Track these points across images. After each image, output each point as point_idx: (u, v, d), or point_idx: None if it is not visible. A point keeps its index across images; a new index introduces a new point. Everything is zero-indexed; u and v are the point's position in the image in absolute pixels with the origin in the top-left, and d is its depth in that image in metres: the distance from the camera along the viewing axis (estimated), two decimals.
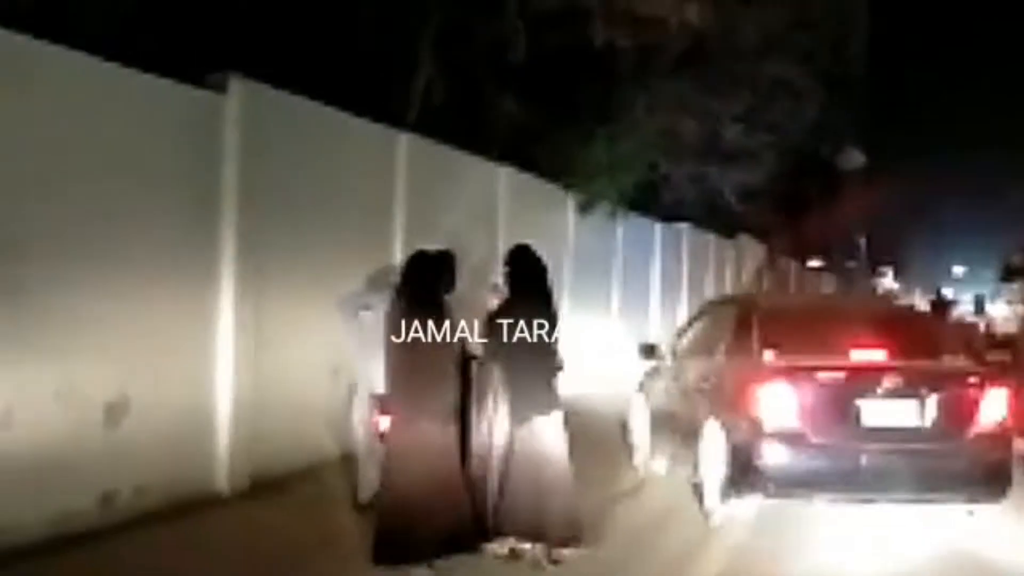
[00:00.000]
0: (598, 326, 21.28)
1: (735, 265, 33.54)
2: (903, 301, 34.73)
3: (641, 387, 13.38)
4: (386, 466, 8.36)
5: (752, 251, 36.01)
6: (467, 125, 15.53)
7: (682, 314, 24.46)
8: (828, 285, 50.96)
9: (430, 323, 8.32)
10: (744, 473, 9.50)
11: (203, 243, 10.05)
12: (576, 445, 8.95)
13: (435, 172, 14.03)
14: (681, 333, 13.08)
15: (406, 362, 8.31)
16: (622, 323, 22.27)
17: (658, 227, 25.64)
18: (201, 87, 10.06)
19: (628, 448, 13.41)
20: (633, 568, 8.60)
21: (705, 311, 13.30)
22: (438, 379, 8.31)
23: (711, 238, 30.72)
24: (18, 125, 8.08)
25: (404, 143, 13.35)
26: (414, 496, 8.05)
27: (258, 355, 10.55)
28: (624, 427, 13.89)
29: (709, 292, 28.11)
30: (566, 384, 9.07)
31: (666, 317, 24.81)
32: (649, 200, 23.95)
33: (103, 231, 8.86)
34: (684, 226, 27.57)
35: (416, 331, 8.27)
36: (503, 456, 8.53)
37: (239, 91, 10.31)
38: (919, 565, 8.98)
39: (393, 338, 8.36)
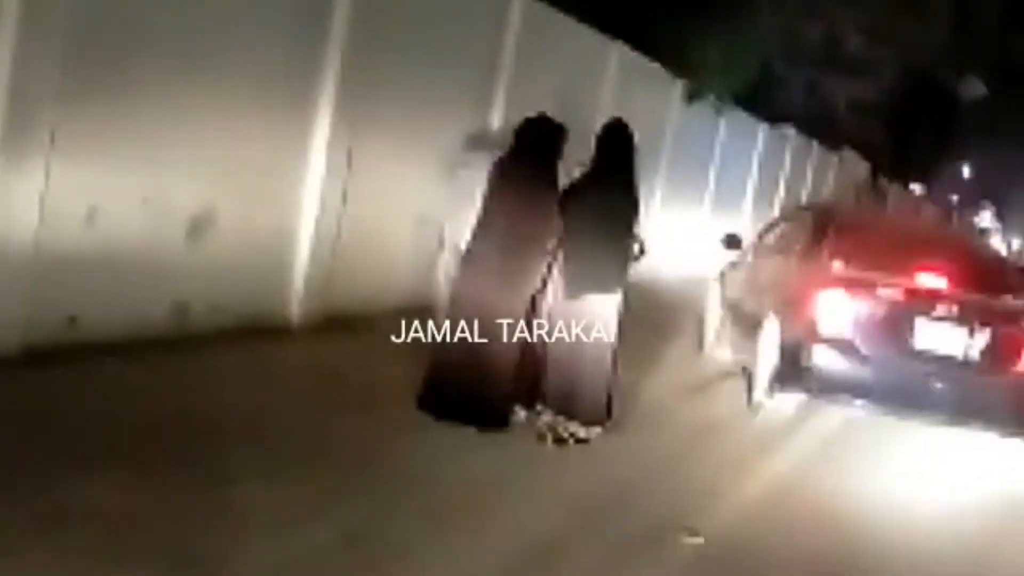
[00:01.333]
0: (690, 216, 21.54)
1: (836, 177, 33.36)
2: (993, 242, 34.28)
3: (721, 277, 13.72)
4: (448, 318, 8.26)
5: (855, 166, 35.72)
6: None
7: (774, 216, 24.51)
8: (926, 212, 50.32)
9: (534, 187, 8.27)
10: (792, 370, 9.92)
11: (306, 71, 9.95)
12: (648, 327, 9.10)
13: (546, 37, 13.91)
14: (764, 231, 13.45)
15: (501, 220, 8.19)
16: (714, 216, 22.40)
17: (763, 127, 25.48)
18: None
19: (700, 334, 13.81)
20: (655, 453, 8.48)
21: (790, 214, 13.74)
22: (524, 245, 8.20)
23: (815, 147, 30.41)
24: None
25: (517, 3, 13.21)
26: (463, 357, 8.03)
27: (346, 193, 10.54)
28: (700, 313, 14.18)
29: (806, 200, 27.93)
30: (652, 268, 9.12)
31: (758, 218, 24.76)
32: (758, 100, 23.84)
33: (209, 44, 8.73)
34: (789, 130, 27.46)
35: (516, 193, 8.21)
36: (550, 328, 8.36)
37: None
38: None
39: (490, 195, 8.27)
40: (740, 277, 12.82)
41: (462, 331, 8.10)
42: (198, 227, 8.99)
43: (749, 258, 12.94)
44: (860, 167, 36.81)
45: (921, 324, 9.72)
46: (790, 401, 10.29)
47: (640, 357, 9.06)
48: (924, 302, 9.82)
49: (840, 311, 9.75)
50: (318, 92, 10.10)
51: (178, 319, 8.92)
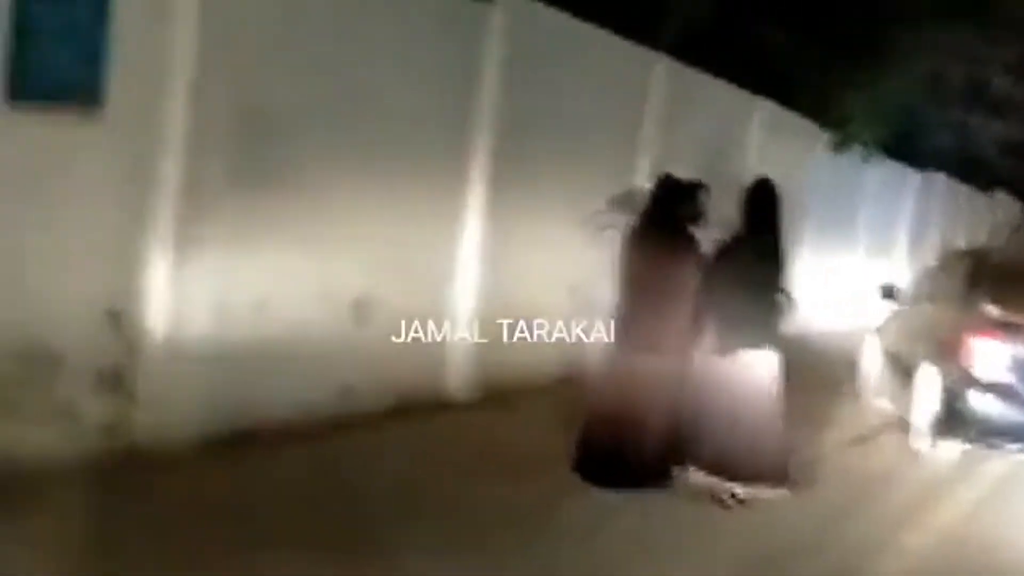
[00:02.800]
0: (843, 266, 21.40)
1: (990, 220, 32.78)
2: None
3: (878, 328, 13.71)
4: (598, 386, 8.41)
5: (1009, 208, 35.09)
6: (727, 53, 15.45)
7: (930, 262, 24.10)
8: None
9: (669, 249, 8.29)
10: (952, 418, 9.94)
11: (457, 150, 10.24)
12: (805, 380, 9.12)
13: (689, 98, 14.01)
14: (920, 279, 13.43)
15: (636, 285, 8.29)
16: (868, 266, 22.22)
17: (912, 173, 25.24)
18: None
19: (858, 384, 13.76)
20: (821, 507, 8.41)
21: (944, 260, 13.66)
22: (666, 307, 8.19)
23: (966, 191, 29.98)
24: (291, 17, 8.26)
25: (661, 67, 13.40)
26: (616, 423, 8.11)
27: (500, 267, 10.75)
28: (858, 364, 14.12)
29: (959, 245, 27.43)
30: (806, 320, 9.07)
31: (913, 264, 24.35)
32: (905, 146, 23.60)
33: (364, 131, 9.03)
34: (939, 176, 27.07)
35: (652, 255, 8.28)
36: (704, 387, 8.34)
37: (506, 3, 10.45)
38: None
39: (627, 259, 8.38)
40: (897, 325, 12.80)
41: (614, 395, 8.20)
42: (361, 310, 9.28)
43: (906, 306, 12.91)
44: (1014, 208, 36.11)
45: None
46: (952, 449, 10.27)
47: (799, 410, 9.03)
48: None
49: (997, 356, 9.74)
50: (469, 168, 10.39)
51: (345, 401, 9.14)
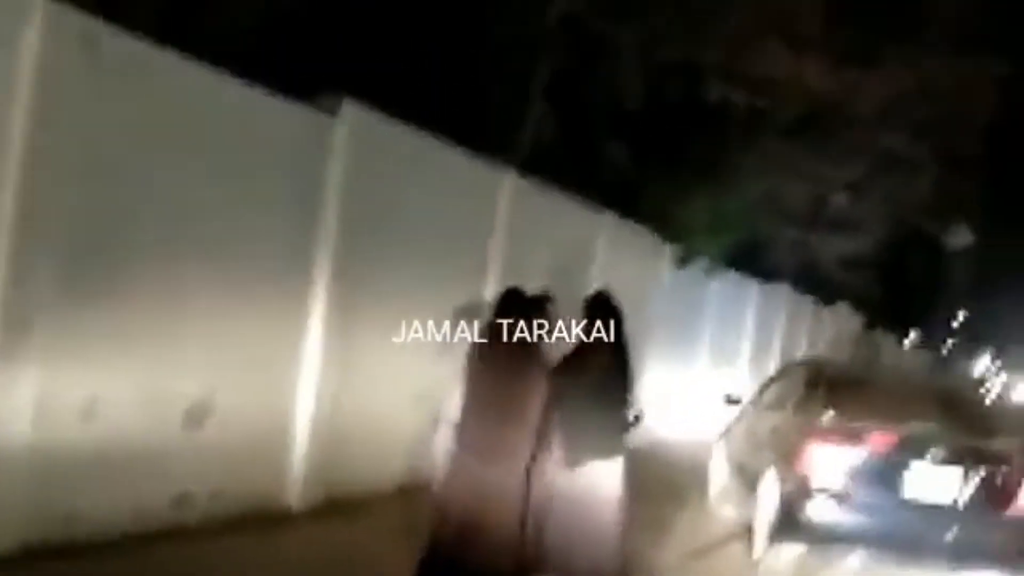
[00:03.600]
0: (689, 376, 21.71)
1: (831, 332, 33.57)
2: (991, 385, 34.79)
3: (723, 435, 14.01)
4: (439, 499, 8.28)
5: (848, 320, 36.03)
6: (573, 167, 15.74)
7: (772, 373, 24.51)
8: (922, 361, 50.11)
9: (514, 360, 8.20)
10: (790, 523, 10.15)
11: (300, 259, 10.19)
12: (651, 490, 9.25)
13: (535, 213, 14.21)
14: (762, 388, 13.76)
15: (481, 396, 8.17)
16: (713, 376, 22.56)
17: (755, 286, 25.90)
18: (312, 108, 10.19)
19: (705, 493, 13.96)
20: None
21: (785, 370, 14.05)
22: (510, 418, 8.08)
23: (807, 302, 30.77)
24: (131, 127, 8.17)
25: (507, 183, 13.59)
26: (460, 534, 8.00)
27: (343, 375, 10.67)
28: (704, 473, 14.33)
29: (801, 356, 28.01)
30: (652, 430, 9.15)
31: (756, 374, 24.79)
32: (748, 259, 24.19)
33: (203, 236, 8.98)
34: (782, 288, 27.83)
35: (497, 366, 8.18)
36: (548, 497, 8.29)
37: (350, 116, 10.45)
38: None
39: (472, 370, 8.26)
40: (740, 434, 13.07)
41: (458, 506, 8.08)
42: (196, 416, 9.12)
43: (748, 415, 13.22)
44: (854, 320, 37.10)
45: (912, 470, 9.97)
46: (790, 554, 10.46)
47: (645, 520, 9.16)
48: (914, 448, 10.05)
49: (832, 462, 10.00)
50: (311, 274, 10.32)
51: (179, 510, 8.98)
